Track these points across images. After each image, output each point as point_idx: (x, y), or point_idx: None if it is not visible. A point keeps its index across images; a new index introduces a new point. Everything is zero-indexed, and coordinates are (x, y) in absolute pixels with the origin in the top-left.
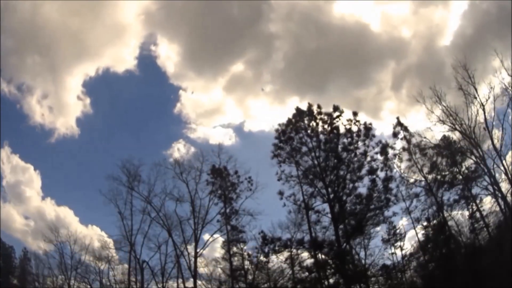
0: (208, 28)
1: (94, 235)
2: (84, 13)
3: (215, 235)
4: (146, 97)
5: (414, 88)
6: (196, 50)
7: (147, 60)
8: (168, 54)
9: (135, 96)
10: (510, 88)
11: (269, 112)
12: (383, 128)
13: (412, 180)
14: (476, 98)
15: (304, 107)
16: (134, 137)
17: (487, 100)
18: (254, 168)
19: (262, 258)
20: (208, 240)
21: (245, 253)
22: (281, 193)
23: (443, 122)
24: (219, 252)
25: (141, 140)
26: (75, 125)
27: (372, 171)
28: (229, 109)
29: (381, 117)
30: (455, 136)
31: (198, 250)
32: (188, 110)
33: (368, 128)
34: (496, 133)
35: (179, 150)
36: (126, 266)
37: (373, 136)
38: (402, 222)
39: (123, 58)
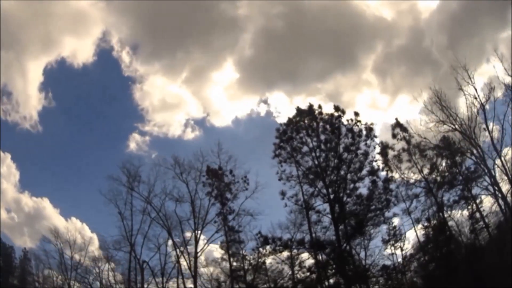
0: (168, 15)
1: (75, 228)
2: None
3: (215, 236)
4: (103, 87)
5: (398, 74)
6: (155, 39)
7: (105, 50)
8: (127, 44)
9: (93, 87)
10: (510, 88)
11: (233, 104)
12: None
13: (412, 181)
14: (476, 98)
15: (276, 98)
16: (93, 129)
17: (487, 100)
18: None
19: (261, 258)
20: (208, 240)
21: (245, 253)
22: (283, 193)
23: (443, 123)
24: (219, 252)
25: (99, 132)
26: (36, 118)
27: (373, 172)
28: (190, 101)
29: (360, 107)
30: (455, 136)
31: (198, 251)
32: (148, 102)
33: (370, 129)
34: (497, 133)
35: (135, 140)
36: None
37: (375, 136)
38: (402, 223)
39: (81, 48)
